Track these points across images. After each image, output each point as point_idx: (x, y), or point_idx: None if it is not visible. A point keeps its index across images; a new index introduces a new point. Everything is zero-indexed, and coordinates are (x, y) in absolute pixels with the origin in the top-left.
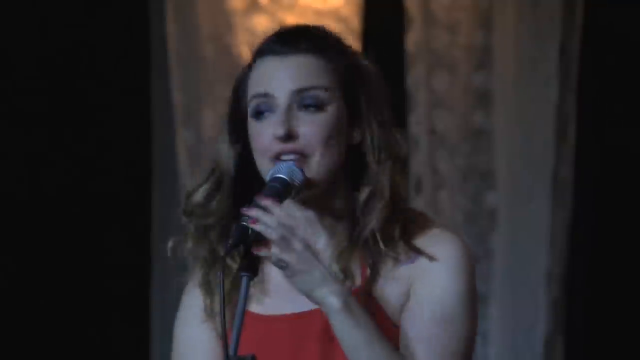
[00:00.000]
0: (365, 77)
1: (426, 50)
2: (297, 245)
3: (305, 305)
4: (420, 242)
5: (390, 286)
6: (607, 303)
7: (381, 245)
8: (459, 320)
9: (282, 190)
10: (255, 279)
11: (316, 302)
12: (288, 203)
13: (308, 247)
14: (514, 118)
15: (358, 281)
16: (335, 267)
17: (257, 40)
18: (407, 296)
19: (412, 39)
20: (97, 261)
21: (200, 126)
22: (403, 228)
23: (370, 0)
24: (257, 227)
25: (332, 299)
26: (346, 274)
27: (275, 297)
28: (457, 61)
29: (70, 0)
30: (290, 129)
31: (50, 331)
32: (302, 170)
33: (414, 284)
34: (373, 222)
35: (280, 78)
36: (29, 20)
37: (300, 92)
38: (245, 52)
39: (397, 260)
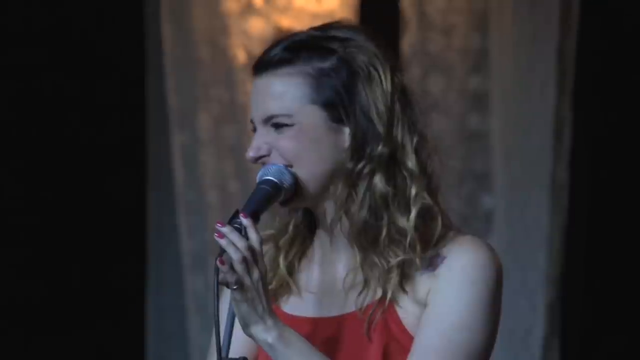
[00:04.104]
0: (351, 71)
1: (421, 53)
2: (256, 274)
3: (340, 309)
4: (443, 248)
5: (411, 295)
6: (603, 305)
7: (401, 253)
8: (473, 330)
9: (272, 193)
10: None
11: (250, 336)
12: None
13: (263, 278)
14: (510, 121)
15: (379, 291)
16: (355, 278)
17: (252, 43)
18: (425, 305)
19: (408, 42)
20: (93, 263)
21: (195, 128)
22: (424, 235)
23: (365, 3)
24: (222, 242)
25: (265, 335)
26: (367, 285)
27: (311, 299)
28: (452, 64)
29: (65, 1)
30: (258, 151)
31: (46, 331)
32: (291, 172)
33: (431, 291)
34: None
35: (255, 105)
36: (22, 21)
37: (268, 119)
38: (240, 55)
39: (418, 269)
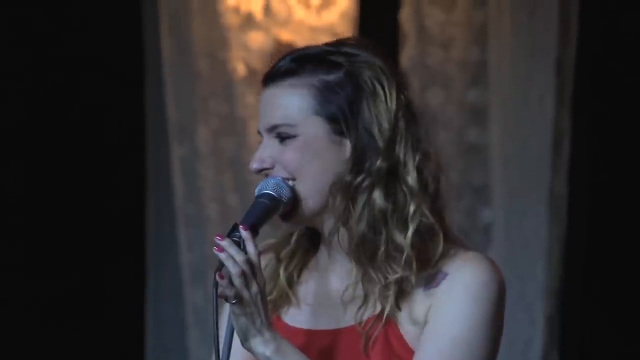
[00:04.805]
0: (356, 86)
1: (420, 66)
2: (254, 287)
3: (338, 322)
4: (445, 265)
5: (412, 310)
6: (602, 316)
7: (399, 270)
8: (473, 347)
9: (271, 207)
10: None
11: (249, 349)
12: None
13: (261, 292)
14: (509, 133)
15: (379, 306)
16: (354, 292)
17: (252, 56)
18: (426, 321)
19: (406, 55)
20: (93, 275)
21: (194, 141)
22: (423, 253)
23: (364, 16)
24: (221, 256)
25: (263, 349)
26: (366, 299)
27: (310, 311)
28: (451, 77)
29: (64, 14)
30: (261, 163)
31: (42, 343)
32: (289, 186)
33: (432, 308)
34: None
35: (262, 115)
36: (22, 35)
37: (272, 128)
38: (240, 68)
39: (419, 284)
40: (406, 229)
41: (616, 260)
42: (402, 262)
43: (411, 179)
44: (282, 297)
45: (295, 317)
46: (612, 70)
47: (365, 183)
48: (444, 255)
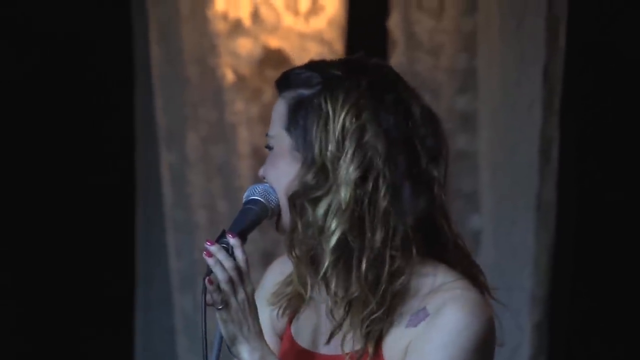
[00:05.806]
0: (317, 104)
1: (409, 73)
2: (241, 294)
3: (334, 348)
4: (430, 300)
5: (396, 345)
6: (590, 325)
7: (386, 303)
8: None
9: (259, 213)
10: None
11: (236, 356)
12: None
13: (249, 299)
14: (497, 141)
15: (362, 341)
16: (338, 318)
17: (240, 63)
18: (405, 356)
19: (395, 62)
20: (81, 282)
21: (183, 148)
22: (406, 284)
23: (353, 23)
24: (210, 262)
25: (247, 356)
26: (349, 331)
27: (309, 331)
28: (440, 84)
29: (53, 21)
30: (264, 172)
31: (32, 351)
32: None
33: (410, 346)
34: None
35: None
36: (13, 40)
37: (266, 136)
38: (228, 74)
39: (403, 319)
40: (327, 246)
41: (604, 267)
42: (403, 301)
43: (342, 194)
44: (295, 297)
45: (300, 328)
46: (600, 78)
47: (305, 198)
48: (430, 290)
